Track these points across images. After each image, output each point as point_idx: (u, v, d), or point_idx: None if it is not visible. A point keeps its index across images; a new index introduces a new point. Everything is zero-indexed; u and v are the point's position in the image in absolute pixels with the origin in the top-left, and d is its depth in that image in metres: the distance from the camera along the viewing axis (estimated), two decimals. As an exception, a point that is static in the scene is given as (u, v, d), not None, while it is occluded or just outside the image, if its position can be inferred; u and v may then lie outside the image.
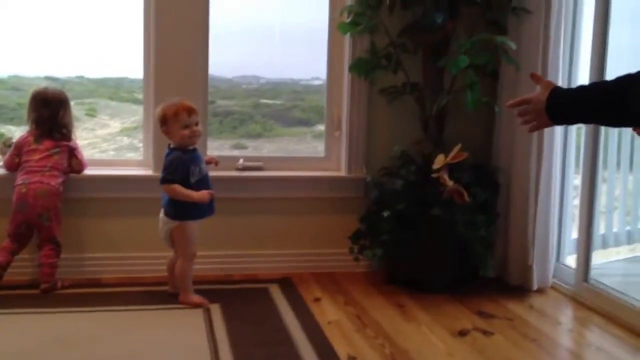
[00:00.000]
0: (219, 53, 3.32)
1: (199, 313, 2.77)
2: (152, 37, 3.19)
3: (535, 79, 1.71)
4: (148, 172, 3.28)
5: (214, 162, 3.05)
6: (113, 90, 3.74)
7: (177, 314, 2.78)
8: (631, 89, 1.48)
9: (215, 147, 3.47)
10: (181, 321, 2.71)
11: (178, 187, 2.78)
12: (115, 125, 3.71)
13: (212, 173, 3.28)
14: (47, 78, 3.42)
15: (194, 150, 2.88)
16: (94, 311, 2.76)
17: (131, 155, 3.54)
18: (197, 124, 2.83)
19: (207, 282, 3.09)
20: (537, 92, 1.62)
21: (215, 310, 2.80)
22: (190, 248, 2.89)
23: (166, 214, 2.86)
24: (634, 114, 1.48)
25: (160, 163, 3.20)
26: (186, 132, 2.80)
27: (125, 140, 3.68)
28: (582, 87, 1.60)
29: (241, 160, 3.39)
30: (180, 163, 2.79)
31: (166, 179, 2.80)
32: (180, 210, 2.84)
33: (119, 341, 2.49)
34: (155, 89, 3.20)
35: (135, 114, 3.61)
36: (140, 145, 3.43)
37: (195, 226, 2.89)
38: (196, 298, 2.88)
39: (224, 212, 3.28)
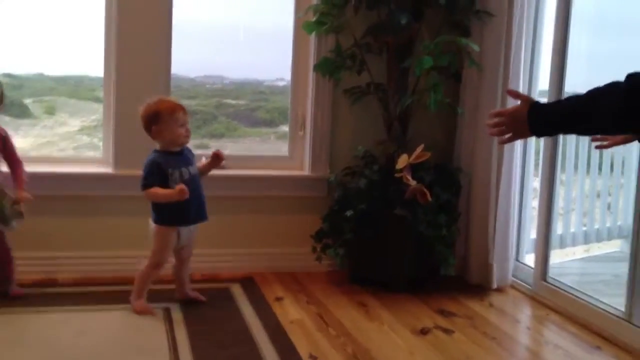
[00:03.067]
0: (183, 52, 3.28)
1: (158, 313, 2.72)
2: (114, 35, 3.15)
3: (514, 95, 1.78)
4: (107, 170, 3.23)
5: (218, 157, 2.83)
6: (73, 88, 3.67)
7: (136, 315, 2.72)
8: (597, 101, 1.55)
9: (177, 146, 3.44)
10: (140, 322, 2.66)
11: (155, 190, 2.65)
12: (75, 123, 3.64)
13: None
14: (6, 75, 3.34)
15: (181, 152, 2.75)
16: (51, 311, 2.69)
17: (91, 154, 3.48)
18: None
19: (167, 281, 3.04)
20: (516, 106, 1.70)
21: (176, 310, 2.76)
22: (159, 256, 2.73)
23: (152, 217, 2.75)
24: (599, 125, 1.57)
25: (121, 161, 3.18)
26: (182, 130, 2.69)
27: (85, 139, 3.62)
28: (560, 101, 1.71)
29: (203, 159, 3.35)
30: (155, 166, 2.67)
31: (143, 185, 2.67)
32: (159, 214, 2.72)
33: (76, 342, 2.43)
34: (117, 87, 3.16)
35: (95, 113, 3.55)
36: (100, 144, 3.38)
37: (172, 234, 2.73)
38: (140, 306, 2.73)
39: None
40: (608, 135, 1.88)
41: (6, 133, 2.80)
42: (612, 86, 1.52)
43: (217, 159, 2.84)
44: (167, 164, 2.68)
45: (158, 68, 3.20)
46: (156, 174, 2.66)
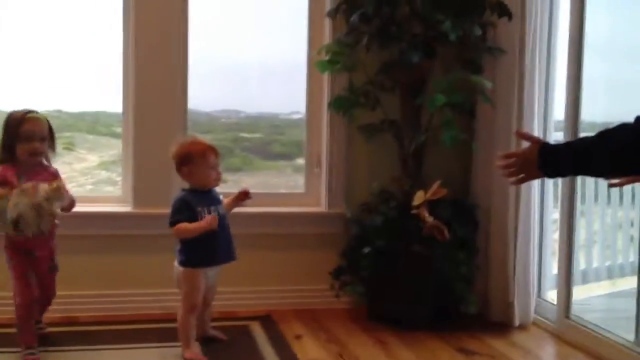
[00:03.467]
0: (198, 87, 3.32)
1: (177, 351, 2.70)
2: (131, 70, 3.20)
3: (523, 136, 1.79)
4: (126, 208, 3.26)
5: (245, 195, 2.81)
6: (90, 124, 3.70)
7: (154, 353, 2.73)
8: (606, 140, 1.55)
9: (194, 182, 3.46)
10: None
11: (184, 225, 2.60)
12: (93, 159, 3.68)
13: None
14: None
15: (209, 191, 2.72)
16: (73, 351, 2.71)
17: (109, 189, 3.51)
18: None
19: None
20: (526, 147, 1.73)
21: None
22: (191, 299, 2.67)
23: (177, 259, 2.71)
24: (610, 163, 1.58)
25: (140, 199, 3.21)
26: (213, 173, 2.67)
27: (104, 174, 3.65)
28: (570, 141, 1.73)
29: (220, 197, 3.36)
30: (184, 204, 2.63)
31: (170, 222, 2.63)
32: (187, 256, 2.67)
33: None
34: (135, 122, 3.21)
35: (113, 148, 3.59)
36: (119, 179, 3.41)
37: (202, 275, 2.69)
38: (190, 354, 2.65)
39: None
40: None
41: (57, 171, 2.74)
42: (622, 126, 1.54)
43: (243, 196, 2.83)
44: (196, 202, 2.65)
45: (175, 103, 3.25)
46: (184, 212, 2.62)
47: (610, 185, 1.92)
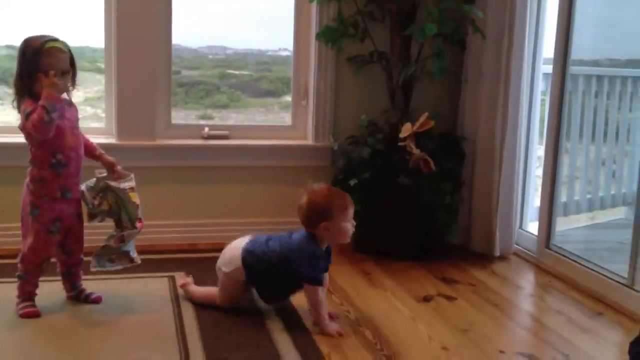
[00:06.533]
0: (185, 23, 3.27)
1: (164, 281, 2.75)
2: (114, 5, 3.13)
3: None
4: (110, 140, 3.24)
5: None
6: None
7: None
8: None
9: (181, 117, 3.45)
10: (148, 289, 2.69)
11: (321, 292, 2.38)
12: (78, 94, 3.62)
13: (177, 141, 3.25)
14: (8, 47, 3.32)
15: (327, 247, 2.46)
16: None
17: (95, 125, 3.48)
18: None
19: (172, 251, 3.07)
20: None
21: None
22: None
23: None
24: None
25: (124, 132, 3.18)
26: (349, 226, 2.39)
27: (89, 110, 3.61)
28: None
29: (206, 129, 3.36)
30: (319, 259, 2.41)
31: (314, 279, 2.37)
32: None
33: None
34: (117, 58, 3.15)
35: (99, 84, 3.53)
36: (104, 115, 3.38)
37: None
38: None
39: (189, 180, 3.27)
40: None
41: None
42: None
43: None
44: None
45: (159, 38, 3.21)
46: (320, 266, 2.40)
47: None
